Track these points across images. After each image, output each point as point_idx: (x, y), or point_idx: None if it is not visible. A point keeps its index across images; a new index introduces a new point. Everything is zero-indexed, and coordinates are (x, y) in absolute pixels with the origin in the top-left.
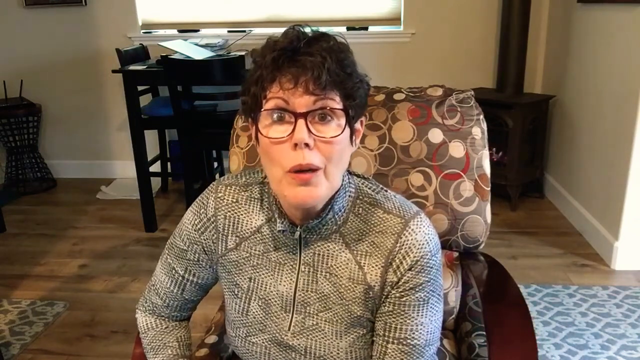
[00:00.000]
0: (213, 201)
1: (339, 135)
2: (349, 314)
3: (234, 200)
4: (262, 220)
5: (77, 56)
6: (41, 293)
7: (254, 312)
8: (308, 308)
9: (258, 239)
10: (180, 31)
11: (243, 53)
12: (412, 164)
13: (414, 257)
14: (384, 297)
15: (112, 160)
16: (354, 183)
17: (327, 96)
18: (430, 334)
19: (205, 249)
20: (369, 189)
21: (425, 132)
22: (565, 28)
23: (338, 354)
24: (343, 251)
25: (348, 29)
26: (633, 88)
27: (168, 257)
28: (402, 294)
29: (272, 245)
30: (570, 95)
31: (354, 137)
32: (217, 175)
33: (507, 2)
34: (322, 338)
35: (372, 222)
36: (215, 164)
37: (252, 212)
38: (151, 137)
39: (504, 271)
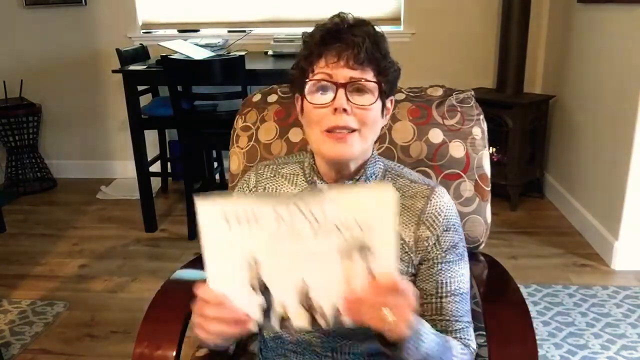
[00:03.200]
0: (254, 176)
1: (372, 103)
2: None
3: (272, 175)
4: (299, 189)
5: (77, 56)
6: (41, 293)
7: None
8: None
9: None
10: (180, 31)
11: (243, 53)
12: (413, 164)
13: (445, 216)
14: (419, 255)
15: (112, 160)
16: (381, 160)
17: (364, 71)
18: (466, 282)
19: None
20: (394, 165)
21: (425, 132)
22: (565, 28)
23: None
24: None
25: None
26: (633, 88)
27: None
28: (446, 253)
29: None
30: (570, 95)
31: (385, 112)
32: (217, 176)
33: (507, 3)
34: None
35: (402, 189)
36: (215, 164)
37: (290, 183)
38: (151, 137)
39: (504, 271)
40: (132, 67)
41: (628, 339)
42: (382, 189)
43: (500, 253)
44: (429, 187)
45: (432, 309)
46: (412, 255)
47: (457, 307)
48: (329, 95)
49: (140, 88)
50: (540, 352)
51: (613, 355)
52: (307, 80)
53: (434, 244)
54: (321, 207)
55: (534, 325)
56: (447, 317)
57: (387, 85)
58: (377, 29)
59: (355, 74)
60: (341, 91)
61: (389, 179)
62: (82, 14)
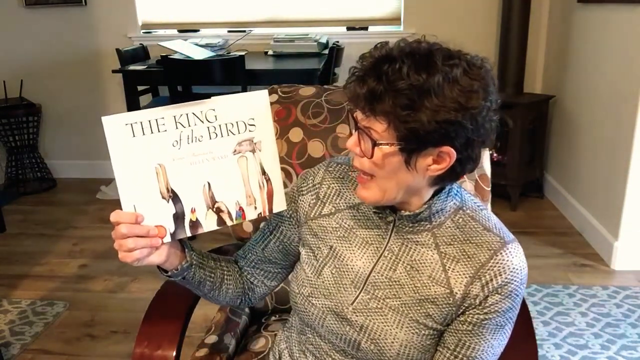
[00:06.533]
0: (323, 172)
1: (366, 156)
2: (419, 308)
3: (341, 177)
4: (359, 200)
5: (77, 56)
6: (41, 293)
7: (325, 277)
8: (377, 291)
9: (351, 214)
10: (180, 31)
11: (243, 53)
12: None
13: (506, 278)
14: (462, 309)
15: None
16: (460, 195)
17: (373, 118)
18: (495, 355)
19: (299, 209)
20: (475, 204)
21: None
22: (565, 28)
23: (392, 343)
24: (431, 250)
25: (348, 29)
26: (633, 88)
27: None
28: (485, 316)
29: (364, 224)
30: (570, 95)
31: (413, 164)
32: None
33: (507, 2)
34: (382, 323)
35: (470, 233)
36: None
37: (355, 190)
38: None
39: None
40: (132, 67)
41: (628, 339)
42: (255, 92)
43: None
44: (501, 240)
45: None
46: (454, 308)
47: None
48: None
49: (140, 88)
50: (540, 352)
51: (613, 355)
52: (350, 109)
53: (479, 302)
54: (213, 112)
55: (534, 325)
56: None
57: (415, 140)
58: (413, 71)
59: (364, 119)
60: (356, 132)
61: (460, 219)
62: (82, 14)
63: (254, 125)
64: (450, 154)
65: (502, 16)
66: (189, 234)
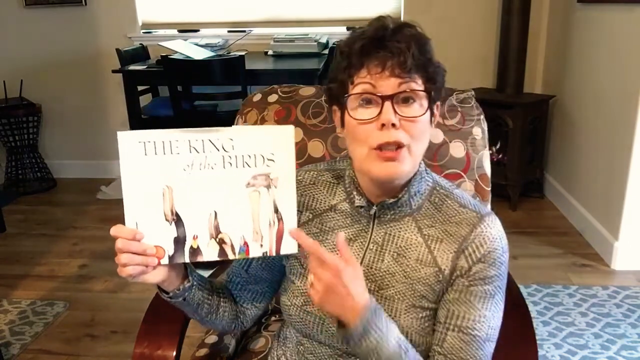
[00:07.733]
0: None
1: (422, 115)
2: (413, 292)
3: (312, 183)
4: (337, 199)
5: (77, 56)
6: (41, 293)
7: None
8: (369, 284)
9: (330, 216)
10: (180, 31)
11: (243, 53)
12: None
13: (487, 248)
14: (451, 281)
15: (112, 160)
16: (431, 175)
17: (411, 79)
18: (492, 329)
19: None
20: (446, 183)
21: None
22: (565, 28)
23: None
24: (414, 234)
25: (348, 29)
26: (633, 88)
27: None
28: (471, 283)
29: (344, 222)
30: (570, 95)
31: (433, 119)
32: None
33: (507, 3)
34: None
35: (448, 212)
36: None
37: (329, 192)
38: None
39: None
40: (132, 67)
41: (628, 339)
42: (280, 127)
43: None
44: (478, 215)
45: (436, 339)
46: (444, 284)
47: (460, 347)
48: (373, 109)
49: (140, 88)
50: (540, 352)
51: (613, 355)
52: (348, 95)
53: (464, 272)
54: (230, 142)
55: (534, 325)
56: (445, 353)
57: (436, 92)
58: (419, 29)
59: (403, 83)
60: (387, 104)
61: (436, 199)
62: (82, 14)
63: (273, 160)
64: (438, 107)
65: (502, 16)
66: (187, 259)
